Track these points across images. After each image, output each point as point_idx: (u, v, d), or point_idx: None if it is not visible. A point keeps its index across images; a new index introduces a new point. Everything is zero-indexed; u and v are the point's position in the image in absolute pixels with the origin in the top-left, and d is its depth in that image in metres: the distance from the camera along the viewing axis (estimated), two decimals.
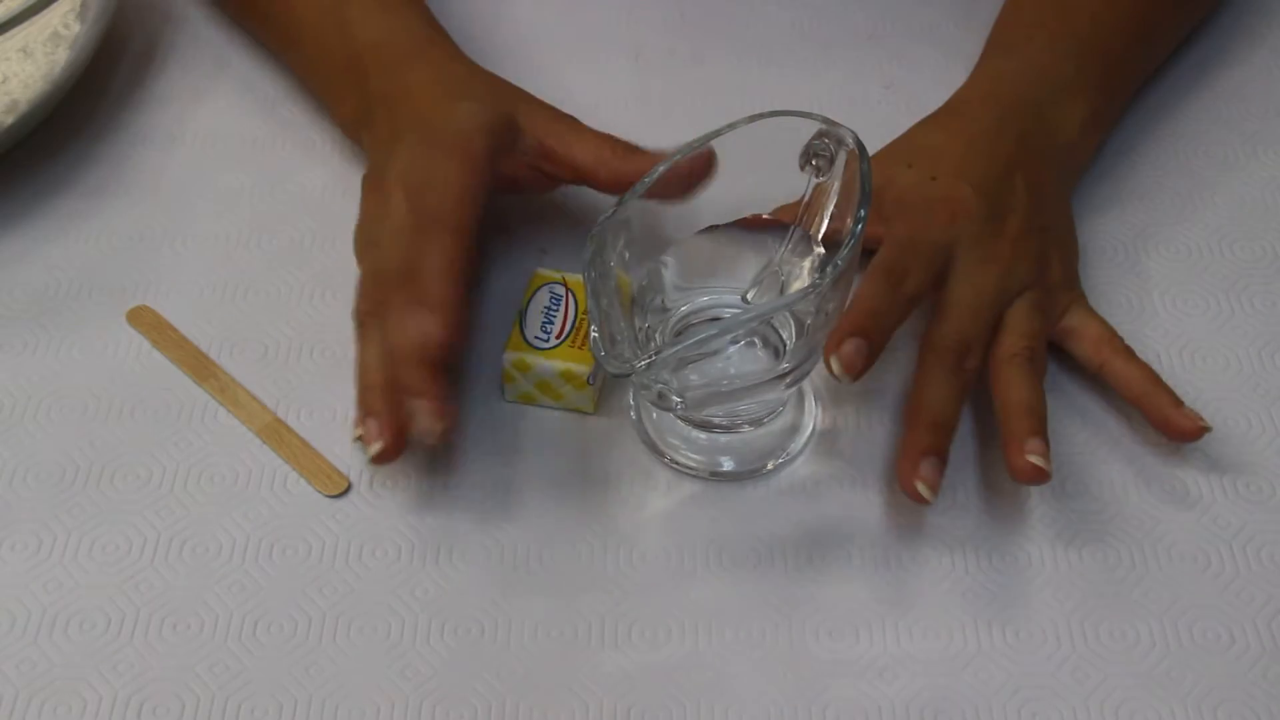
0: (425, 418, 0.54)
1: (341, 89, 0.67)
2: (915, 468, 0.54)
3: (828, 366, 0.54)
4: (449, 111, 0.61)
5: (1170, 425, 0.57)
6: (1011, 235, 0.59)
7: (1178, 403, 0.57)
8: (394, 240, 0.57)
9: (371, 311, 0.57)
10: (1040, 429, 0.55)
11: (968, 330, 0.57)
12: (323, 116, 0.72)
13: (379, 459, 0.54)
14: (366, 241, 0.60)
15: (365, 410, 0.55)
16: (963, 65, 0.74)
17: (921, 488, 0.54)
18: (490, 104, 0.62)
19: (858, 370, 0.53)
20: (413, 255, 0.56)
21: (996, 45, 0.70)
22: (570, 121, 0.63)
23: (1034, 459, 0.54)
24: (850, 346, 0.53)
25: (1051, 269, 0.60)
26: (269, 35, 0.74)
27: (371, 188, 0.61)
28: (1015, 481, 0.55)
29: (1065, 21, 0.68)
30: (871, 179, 0.52)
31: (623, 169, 0.60)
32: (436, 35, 0.68)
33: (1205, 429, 0.56)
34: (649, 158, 0.59)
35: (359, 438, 0.55)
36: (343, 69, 0.67)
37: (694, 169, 0.56)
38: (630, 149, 0.61)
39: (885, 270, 0.57)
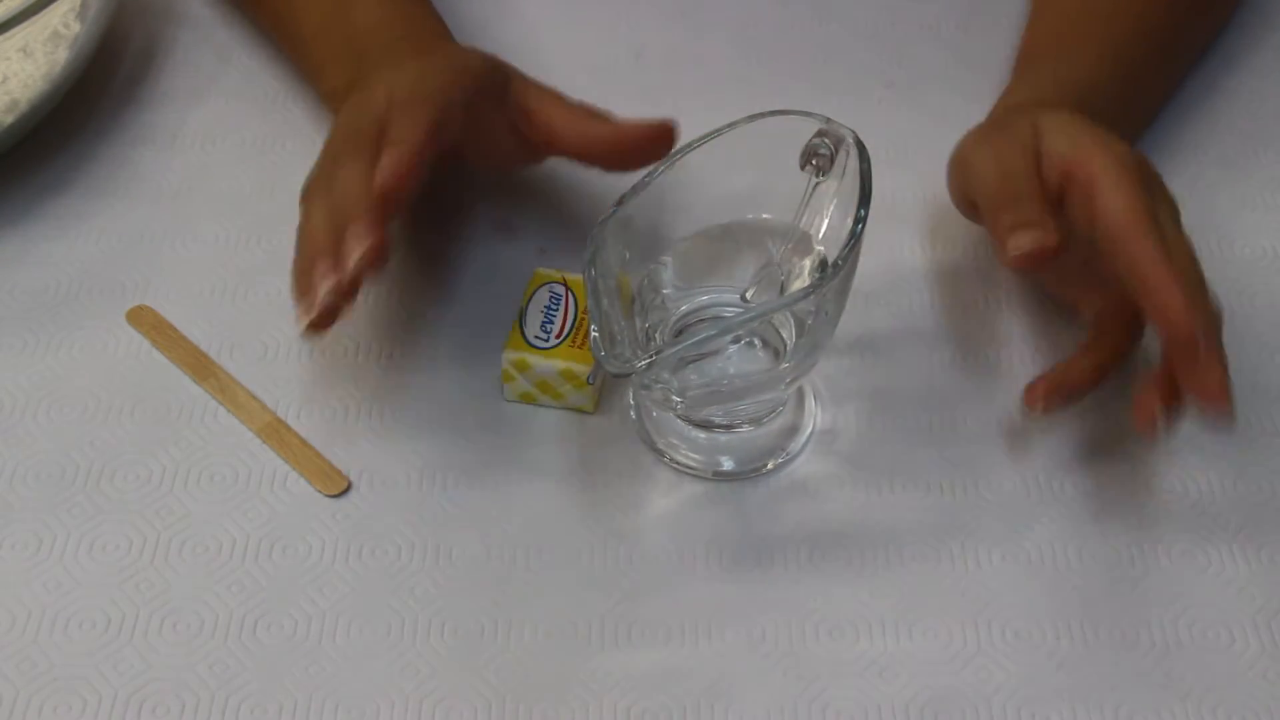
0: (355, 243, 0.53)
1: (334, 64, 0.68)
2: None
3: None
4: (446, 48, 0.63)
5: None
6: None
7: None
8: (364, 115, 0.57)
9: (320, 179, 0.57)
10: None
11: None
12: (323, 117, 0.72)
13: (311, 329, 0.54)
14: (328, 139, 0.60)
15: (303, 287, 0.55)
16: (964, 65, 0.74)
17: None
18: (489, 57, 0.63)
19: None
20: (386, 117, 0.57)
21: (1029, 60, 0.69)
22: (553, 91, 0.63)
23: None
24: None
25: None
26: (259, 11, 0.74)
27: (348, 102, 0.61)
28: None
29: (1103, 39, 0.67)
30: (871, 179, 0.52)
31: (589, 131, 0.60)
32: (438, 25, 0.69)
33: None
34: (616, 124, 0.59)
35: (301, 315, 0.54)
36: (338, 46, 0.67)
37: (647, 137, 0.57)
38: (599, 114, 0.61)
39: (1148, 220, 0.52)
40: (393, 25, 0.67)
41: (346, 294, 0.54)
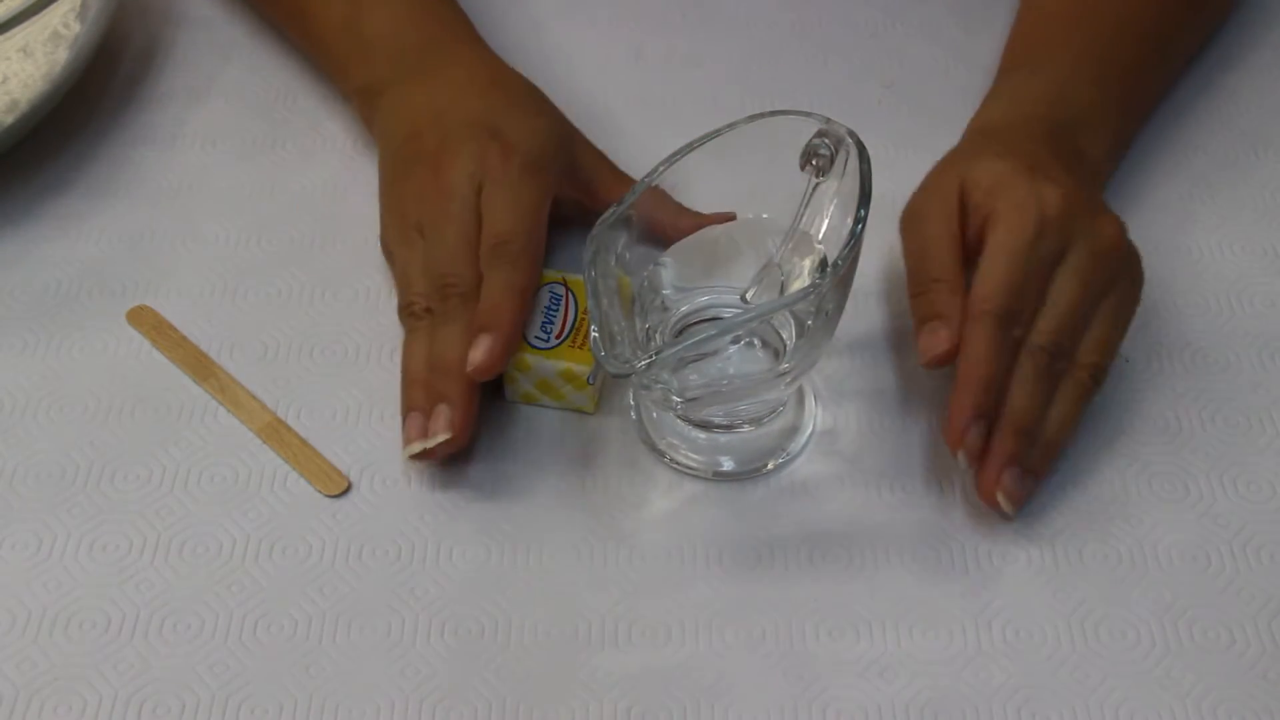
0: (443, 423, 0.55)
1: (359, 64, 0.68)
2: (998, 476, 0.54)
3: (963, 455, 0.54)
4: (526, 125, 0.62)
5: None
6: (1113, 238, 0.58)
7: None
8: (463, 249, 0.58)
9: (429, 310, 0.58)
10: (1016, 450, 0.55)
11: (1064, 330, 0.56)
12: (323, 117, 0.72)
13: (419, 458, 0.56)
14: (411, 226, 0.60)
15: (410, 405, 0.57)
16: (964, 64, 0.74)
17: (1003, 499, 0.54)
18: (559, 124, 0.64)
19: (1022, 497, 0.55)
20: (484, 273, 0.58)
21: (1017, 61, 0.69)
22: (614, 167, 0.65)
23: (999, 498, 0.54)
24: (1009, 478, 0.54)
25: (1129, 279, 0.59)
26: (276, 8, 0.74)
27: (426, 171, 0.61)
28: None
29: (1086, 40, 0.67)
30: (871, 179, 0.52)
31: (663, 222, 0.59)
32: (465, 23, 0.69)
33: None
34: (686, 216, 0.57)
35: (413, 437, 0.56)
36: (362, 45, 0.68)
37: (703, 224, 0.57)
38: (668, 200, 0.60)
39: (1000, 320, 0.54)
40: (421, 25, 0.68)
41: (436, 452, 0.56)
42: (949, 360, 0.55)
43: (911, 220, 0.60)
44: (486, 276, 0.58)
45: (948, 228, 0.58)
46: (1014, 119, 0.63)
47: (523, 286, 0.58)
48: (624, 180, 0.64)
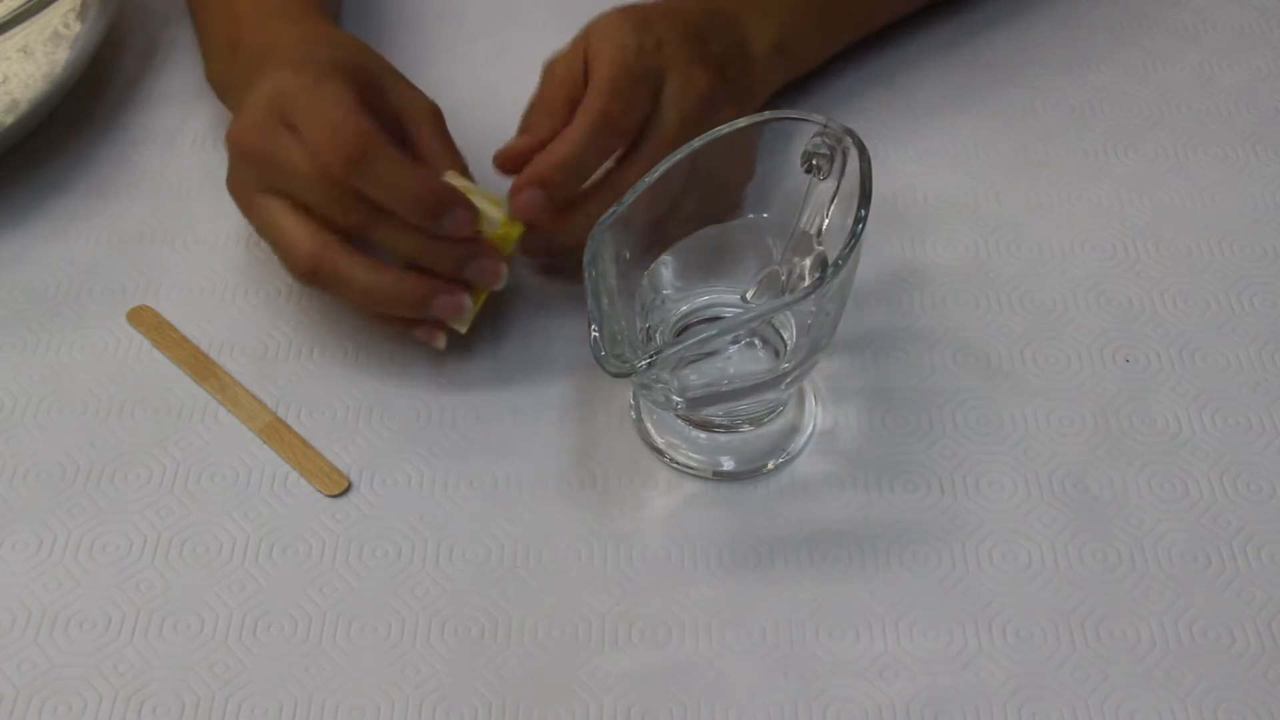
0: (494, 273, 0.58)
1: (219, 47, 0.67)
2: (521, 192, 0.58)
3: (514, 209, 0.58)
4: (316, 51, 0.60)
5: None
6: (716, 58, 0.61)
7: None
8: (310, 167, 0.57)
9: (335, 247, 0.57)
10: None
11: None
12: None
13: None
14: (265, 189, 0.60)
15: (422, 296, 0.57)
16: (964, 65, 0.74)
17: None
18: (355, 57, 0.60)
19: (532, 216, 0.58)
20: (376, 211, 0.57)
21: None
22: (428, 115, 0.61)
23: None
24: (528, 196, 0.57)
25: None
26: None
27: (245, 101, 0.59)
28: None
29: None
30: (871, 179, 0.52)
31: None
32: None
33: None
34: (458, 196, 0.57)
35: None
36: (223, 29, 0.67)
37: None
38: (450, 181, 0.59)
39: (596, 116, 0.58)
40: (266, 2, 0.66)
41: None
42: (509, 162, 0.59)
43: (547, 66, 0.63)
44: (380, 221, 0.56)
45: (568, 71, 0.61)
46: (665, 3, 0.63)
47: (421, 189, 0.56)
48: (437, 136, 0.60)
